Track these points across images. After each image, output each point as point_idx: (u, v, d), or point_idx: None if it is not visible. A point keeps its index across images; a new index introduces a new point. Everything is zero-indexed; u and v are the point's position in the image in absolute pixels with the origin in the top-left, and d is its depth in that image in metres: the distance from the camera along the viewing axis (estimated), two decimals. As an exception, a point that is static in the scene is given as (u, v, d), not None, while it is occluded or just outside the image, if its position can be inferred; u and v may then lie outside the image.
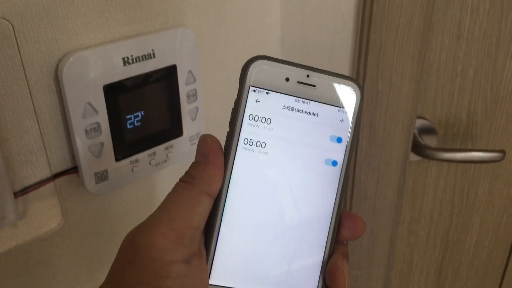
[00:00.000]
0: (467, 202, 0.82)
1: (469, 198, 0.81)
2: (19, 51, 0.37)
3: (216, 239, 0.29)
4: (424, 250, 0.86)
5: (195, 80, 0.48)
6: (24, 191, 0.40)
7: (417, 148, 0.70)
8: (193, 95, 0.48)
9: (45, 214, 0.42)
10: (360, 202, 0.68)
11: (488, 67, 0.70)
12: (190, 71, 0.47)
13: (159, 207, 0.28)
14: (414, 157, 0.73)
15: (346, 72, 0.62)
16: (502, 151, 0.69)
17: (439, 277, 0.90)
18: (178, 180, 0.29)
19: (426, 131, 0.74)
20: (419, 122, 0.73)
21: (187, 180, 0.29)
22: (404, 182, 0.69)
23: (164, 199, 0.28)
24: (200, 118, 0.50)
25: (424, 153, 0.70)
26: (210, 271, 0.29)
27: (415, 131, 0.73)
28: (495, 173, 0.79)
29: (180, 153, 0.49)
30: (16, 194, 0.39)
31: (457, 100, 0.72)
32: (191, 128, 0.49)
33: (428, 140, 0.74)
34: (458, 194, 0.81)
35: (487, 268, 0.90)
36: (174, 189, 0.29)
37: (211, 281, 0.29)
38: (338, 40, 0.60)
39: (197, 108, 0.49)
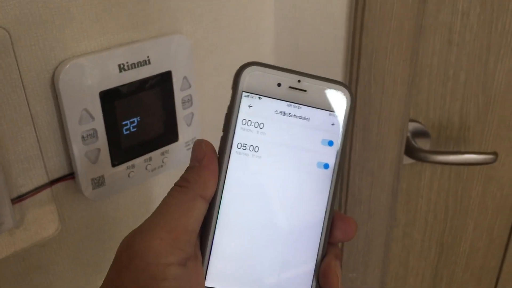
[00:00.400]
0: (461, 204, 0.82)
1: (463, 201, 0.82)
2: (16, 59, 0.37)
3: (211, 242, 0.30)
4: (419, 253, 0.87)
5: (190, 86, 0.49)
6: (22, 197, 0.40)
7: (411, 151, 0.71)
8: (188, 101, 0.49)
9: (43, 220, 0.42)
10: (354, 205, 0.69)
11: (479, 70, 0.70)
12: (185, 77, 0.48)
13: (154, 212, 0.29)
14: (407, 160, 0.73)
15: (339, 77, 0.63)
16: (494, 153, 0.70)
17: (434, 279, 0.90)
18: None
19: (419, 134, 0.74)
20: (412, 125, 0.74)
21: (182, 184, 0.29)
22: (398, 185, 0.69)
23: (160, 204, 0.29)
24: (195, 124, 0.51)
25: (417, 156, 0.70)
26: (206, 274, 0.30)
27: (408, 134, 0.73)
28: (488, 176, 0.80)
29: (176, 158, 0.50)
30: (14, 201, 0.39)
31: (449, 103, 0.73)
32: (187, 133, 0.50)
33: (421, 143, 0.74)
34: (452, 197, 0.81)
35: (482, 270, 0.90)
36: (170, 194, 0.29)
37: (207, 284, 0.30)
38: (330, 45, 0.60)
39: (192, 113, 0.50)
